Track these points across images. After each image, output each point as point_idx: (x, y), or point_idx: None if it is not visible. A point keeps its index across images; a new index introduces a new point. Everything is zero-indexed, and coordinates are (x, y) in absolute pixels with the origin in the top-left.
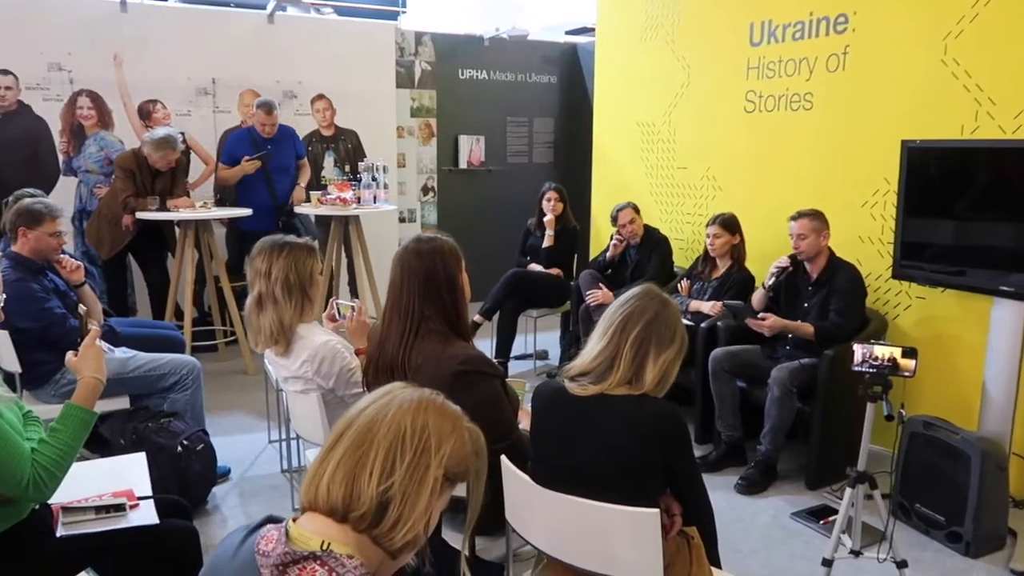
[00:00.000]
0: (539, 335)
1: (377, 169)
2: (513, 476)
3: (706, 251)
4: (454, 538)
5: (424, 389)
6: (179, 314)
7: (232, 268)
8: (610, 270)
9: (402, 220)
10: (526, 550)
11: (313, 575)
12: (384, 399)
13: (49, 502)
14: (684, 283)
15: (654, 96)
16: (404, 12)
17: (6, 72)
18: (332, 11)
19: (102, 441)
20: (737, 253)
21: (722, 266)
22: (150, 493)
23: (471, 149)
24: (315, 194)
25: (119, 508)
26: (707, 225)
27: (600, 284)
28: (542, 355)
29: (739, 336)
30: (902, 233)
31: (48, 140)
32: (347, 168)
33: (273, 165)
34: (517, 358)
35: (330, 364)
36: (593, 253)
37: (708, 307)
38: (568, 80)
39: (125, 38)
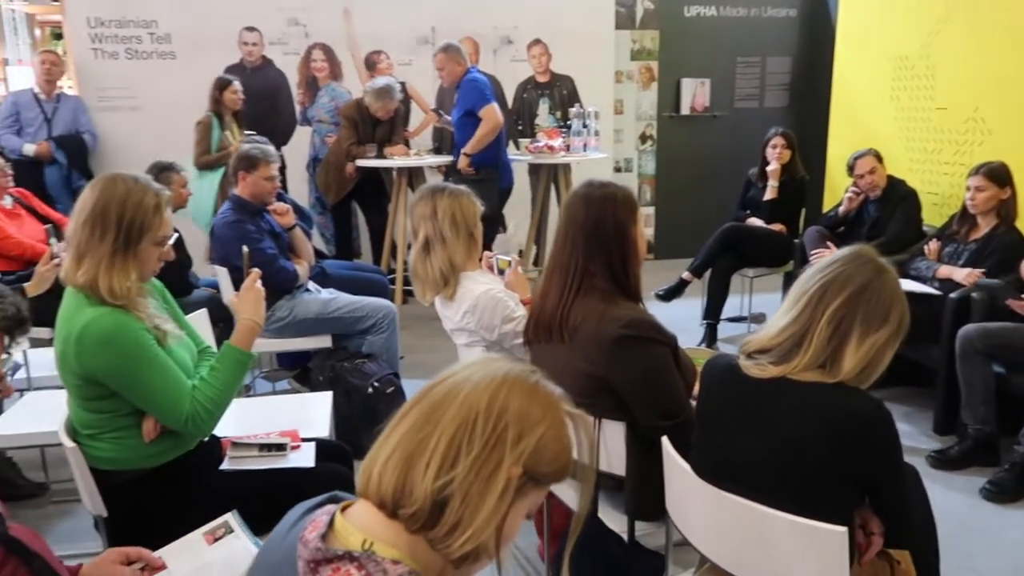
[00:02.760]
0: (755, 296)
1: (588, 115)
2: (673, 463)
3: (965, 207)
4: (613, 519)
5: (518, 363)
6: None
7: None
8: (843, 227)
9: (617, 170)
10: None
11: None
12: (465, 371)
13: (223, 435)
14: (932, 244)
15: (910, 25)
16: None
17: (252, 29)
18: None
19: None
20: (1005, 210)
21: (984, 225)
22: (327, 434)
23: (695, 93)
24: (524, 142)
25: (281, 448)
26: (968, 176)
27: (828, 243)
28: (758, 318)
29: (999, 311)
30: None
31: (287, 92)
32: (560, 115)
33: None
34: (731, 320)
35: (491, 315)
36: (827, 208)
37: (962, 275)
38: (810, 12)
39: None
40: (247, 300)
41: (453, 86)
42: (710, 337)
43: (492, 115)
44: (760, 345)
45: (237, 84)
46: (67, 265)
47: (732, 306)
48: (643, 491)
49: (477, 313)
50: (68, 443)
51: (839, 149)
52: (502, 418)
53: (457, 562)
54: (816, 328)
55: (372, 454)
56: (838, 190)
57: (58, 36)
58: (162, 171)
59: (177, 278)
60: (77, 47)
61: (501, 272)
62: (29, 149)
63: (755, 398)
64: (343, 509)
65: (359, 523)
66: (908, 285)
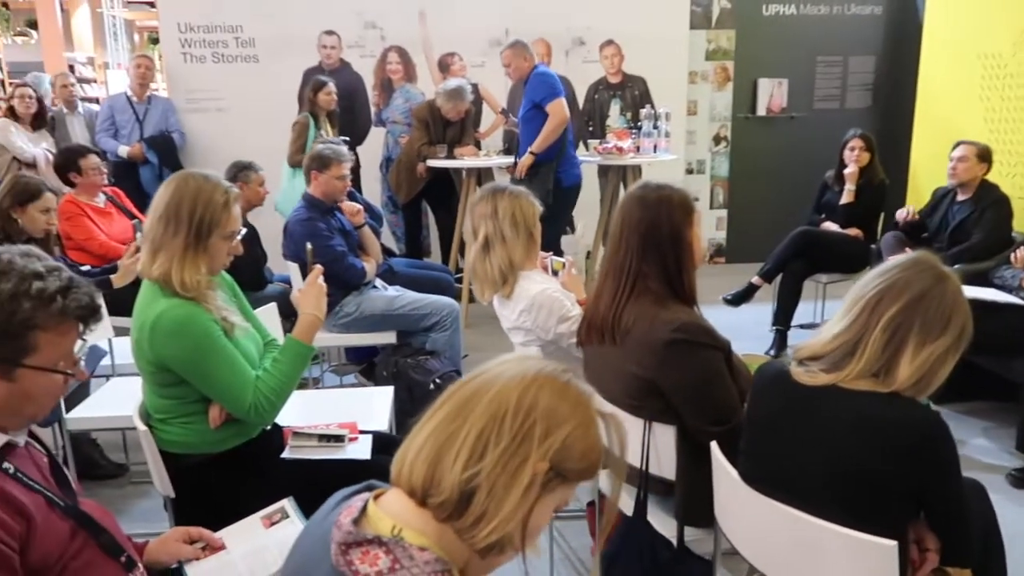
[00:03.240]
0: (828, 303)
1: (658, 117)
2: (722, 469)
3: None
4: (663, 523)
5: (551, 362)
6: None
7: None
8: (925, 233)
9: (690, 172)
10: None
11: (375, 562)
12: (498, 368)
13: (285, 424)
14: (1020, 252)
15: (1003, 21)
16: None
17: (330, 32)
18: None
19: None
20: None
21: None
22: (385, 428)
23: (772, 94)
24: (593, 143)
25: (339, 439)
26: None
27: (907, 248)
28: None
29: None
30: None
31: (363, 94)
32: (631, 116)
33: None
34: (802, 327)
35: (547, 314)
36: None
37: None
38: (895, 9)
39: None
40: (309, 295)
41: (521, 82)
42: (779, 343)
43: (559, 109)
44: (812, 352)
45: (331, 86)
46: (143, 259)
47: (805, 312)
48: (693, 496)
49: (533, 312)
50: (140, 426)
51: (923, 152)
52: (530, 414)
53: (482, 552)
54: (870, 336)
55: (405, 444)
56: (922, 195)
57: (155, 41)
58: (241, 170)
59: (251, 273)
60: (168, 51)
61: (555, 273)
62: (123, 151)
63: (804, 406)
64: (376, 496)
65: (390, 510)
66: (991, 295)
